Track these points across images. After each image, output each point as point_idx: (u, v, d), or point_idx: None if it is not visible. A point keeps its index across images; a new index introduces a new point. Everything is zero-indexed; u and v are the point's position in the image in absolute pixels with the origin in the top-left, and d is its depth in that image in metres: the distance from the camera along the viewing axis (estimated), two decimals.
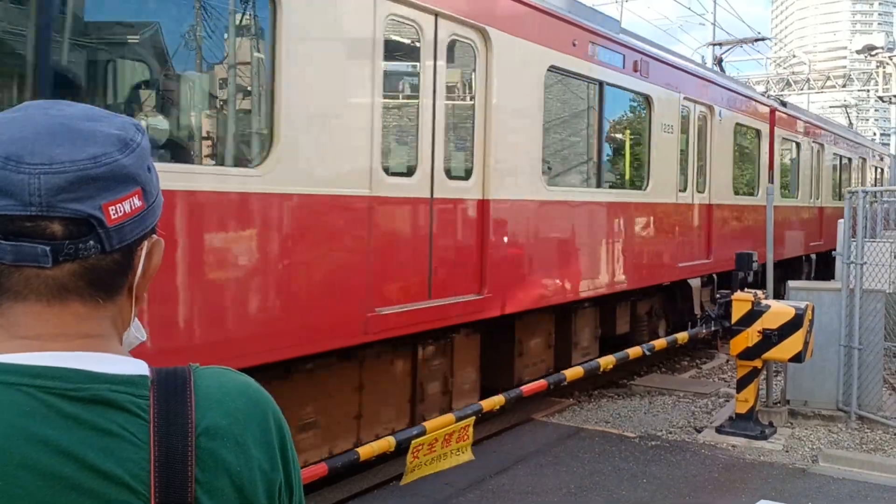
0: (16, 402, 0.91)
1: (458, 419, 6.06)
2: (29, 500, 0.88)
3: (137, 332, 1.10)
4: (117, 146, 0.98)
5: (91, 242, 0.96)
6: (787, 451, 7.38)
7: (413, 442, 5.57)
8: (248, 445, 1.02)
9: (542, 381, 7.36)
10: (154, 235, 1.06)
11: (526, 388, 7.12)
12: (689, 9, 32.30)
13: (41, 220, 0.93)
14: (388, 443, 5.54)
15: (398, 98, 6.56)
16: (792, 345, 7.55)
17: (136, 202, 0.99)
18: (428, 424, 5.84)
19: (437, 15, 6.46)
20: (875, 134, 57.86)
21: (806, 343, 7.58)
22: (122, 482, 0.92)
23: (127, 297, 1.04)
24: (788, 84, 34.93)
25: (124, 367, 0.99)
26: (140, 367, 1.01)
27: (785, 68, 40.75)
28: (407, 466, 5.54)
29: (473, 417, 6.26)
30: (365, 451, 5.39)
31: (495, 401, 6.70)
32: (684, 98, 11.03)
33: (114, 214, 0.97)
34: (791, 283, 9.00)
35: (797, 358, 7.62)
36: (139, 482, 0.94)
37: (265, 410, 1.07)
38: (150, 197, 1.02)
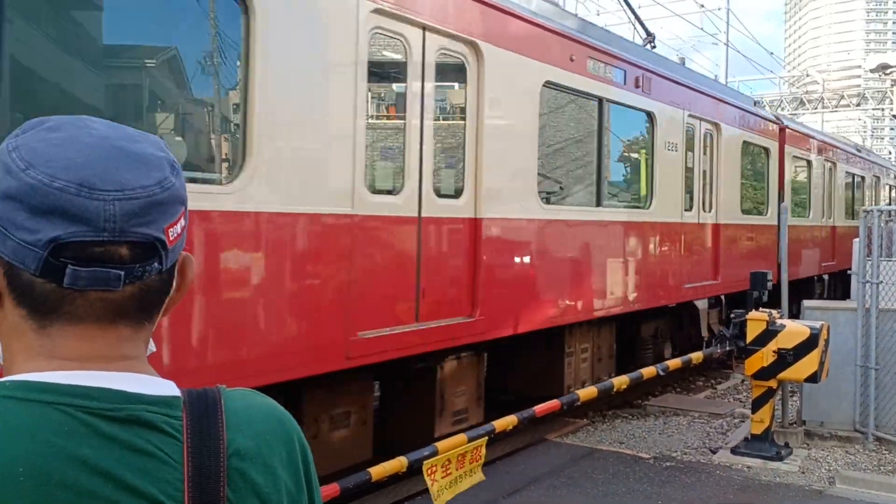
0: (55, 421, 0.92)
1: (471, 439, 6.04)
2: None
3: (149, 345, 1.11)
4: (169, 169, 1.01)
5: (155, 264, 0.99)
6: (803, 473, 7.30)
7: (425, 462, 5.55)
8: (276, 467, 1.05)
9: (556, 402, 7.32)
10: (183, 252, 1.08)
11: (539, 409, 7.08)
12: (702, 29, 32.36)
13: (111, 244, 0.95)
14: (400, 463, 5.51)
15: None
16: (807, 365, 7.49)
17: (183, 222, 1.03)
18: (440, 445, 5.81)
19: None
20: (890, 153, 57.58)
21: (821, 363, 7.51)
22: (157, 501, 0.94)
23: (159, 316, 1.07)
24: (802, 103, 34.87)
25: (157, 387, 1.01)
26: (171, 388, 1.03)
27: (798, 87, 40.68)
28: (433, 493, 5.49)
29: (486, 438, 6.23)
30: (377, 472, 5.36)
31: (508, 421, 6.67)
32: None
33: (171, 236, 1.00)
34: (806, 303, 8.94)
35: (813, 378, 7.55)
36: (173, 501, 0.95)
37: (290, 433, 1.10)
38: (187, 215, 1.06)
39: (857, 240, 9.64)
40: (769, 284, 8.88)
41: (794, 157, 15.36)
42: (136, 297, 0.99)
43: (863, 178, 20.97)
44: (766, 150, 14.03)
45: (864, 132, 61.81)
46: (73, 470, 0.90)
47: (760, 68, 39.45)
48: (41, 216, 0.93)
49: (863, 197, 20.88)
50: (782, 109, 31.57)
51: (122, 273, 0.95)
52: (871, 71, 32.78)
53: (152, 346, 1.12)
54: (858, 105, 36.35)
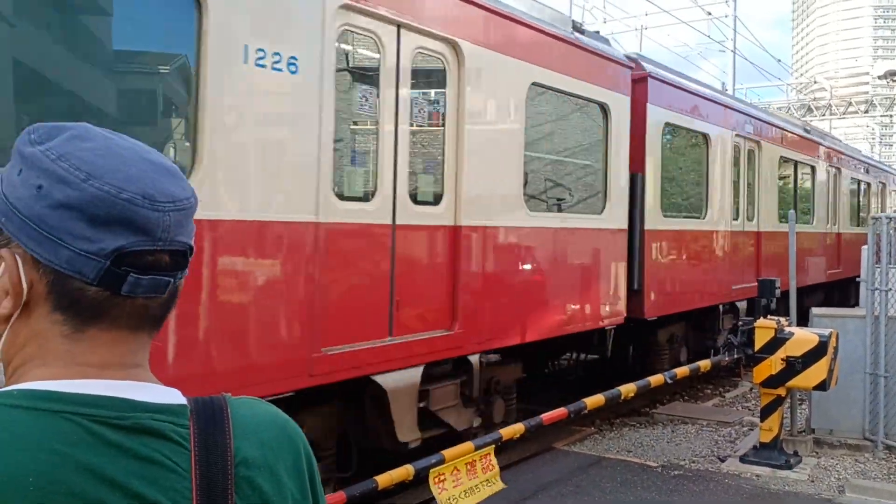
0: (62, 429, 0.92)
1: (477, 448, 6.02)
2: None
3: None
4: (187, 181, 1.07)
5: (185, 270, 1.04)
6: (812, 481, 7.26)
7: (432, 470, 5.54)
8: (281, 475, 1.06)
9: (563, 410, 7.30)
10: None
11: (546, 417, 7.06)
12: (709, 37, 32.34)
13: (159, 253, 0.98)
14: (406, 471, 5.50)
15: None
16: (816, 373, 7.45)
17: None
18: (447, 453, 5.80)
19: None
20: None
21: (830, 371, 7.48)
22: None
23: None
24: (810, 110, 34.81)
25: (163, 395, 1.02)
26: (177, 397, 1.03)
27: (806, 94, 40.64)
28: (437, 499, 5.48)
29: (493, 445, 6.22)
30: (383, 480, 5.36)
31: (515, 429, 6.66)
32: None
33: (192, 242, 1.04)
34: (815, 310, 8.90)
35: (822, 386, 7.52)
36: None
37: (295, 440, 1.12)
38: None
39: (865, 247, 9.60)
40: (778, 291, 8.84)
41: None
42: (164, 303, 1.03)
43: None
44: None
45: (873, 139, 61.69)
46: (81, 478, 0.90)
47: (768, 75, 39.41)
48: (103, 226, 0.95)
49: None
50: (790, 116, 31.49)
51: (171, 280, 1.00)
52: (879, 77, 32.77)
53: None
54: (866, 112, 36.28)
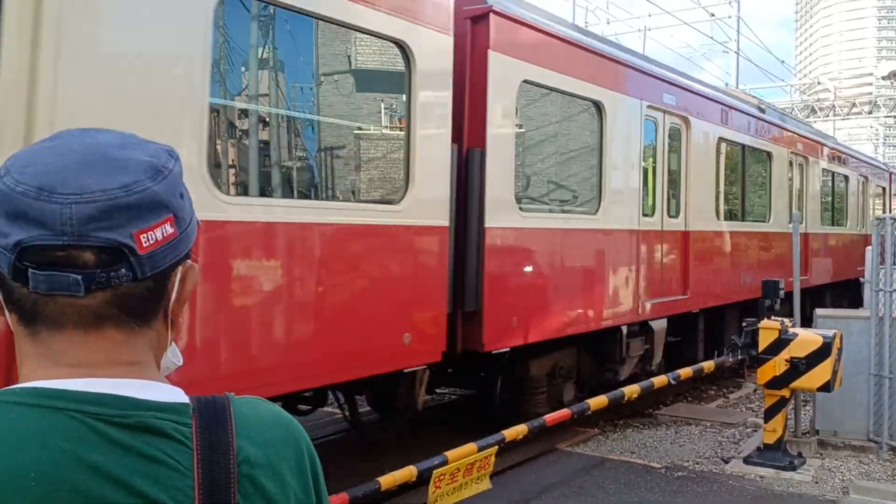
0: (65, 427, 0.92)
1: (481, 449, 6.01)
2: None
3: (174, 357, 1.11)
4: (149, 173, 0.98)
5: (123, 270, 0.96)
6: (816, 483, 7.24)
7: (434, 472, 5.53)
8: (284, 473, 1.05)
9: (566, 411, 7.29)
10: (188, 261, 1.07)
11: (549, 418, 7.06)
12: (712, 38, 32.31)
13: (73, 249, 0.93)
14: (409, 472, 5.50)
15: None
16: (820, 374, 7.43)
17: (169, 229, 1.00)
18: (450, 454, 5.79)
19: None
20: None
21: (835, 372, 7.46)
22: None
23: (163, 323, 1.06)
24: (813, 111, 34.76)
25: (165, 394, 1.01)
26: (179, 395, 1.03)
27: (809, 95, 40.59)
28: (429, 498, 5.49)
29: (496, 447, 6.21)
30: (386, 481, 5.35)
31: (518, 430, 6.65)
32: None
33: (145, 242, 0.97)
34: (819, 311, 8.88)
35: (826, 387, 7.50)
36: None
37: (299, 440, 1.11)
38: (182, 223, 1.03)
39: (869, 248, 9.58)
40: (782, 293, 8.82)
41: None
42: (113, 302, 0.98)
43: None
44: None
45: (877, 140, 61.58)
46: (84, 476, 0.90)
47: (771, 76, 39.39)
48: (12, 221, 0.94)
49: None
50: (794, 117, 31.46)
51: (81, 278, 0.94)
52: (883, 78, 32.70)
53: (179, 359, 1.12)
54: (870, 113, 36.21)
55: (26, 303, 0.97)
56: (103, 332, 0.99)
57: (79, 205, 0.93)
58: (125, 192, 0.95)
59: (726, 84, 26.86)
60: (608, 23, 30.33)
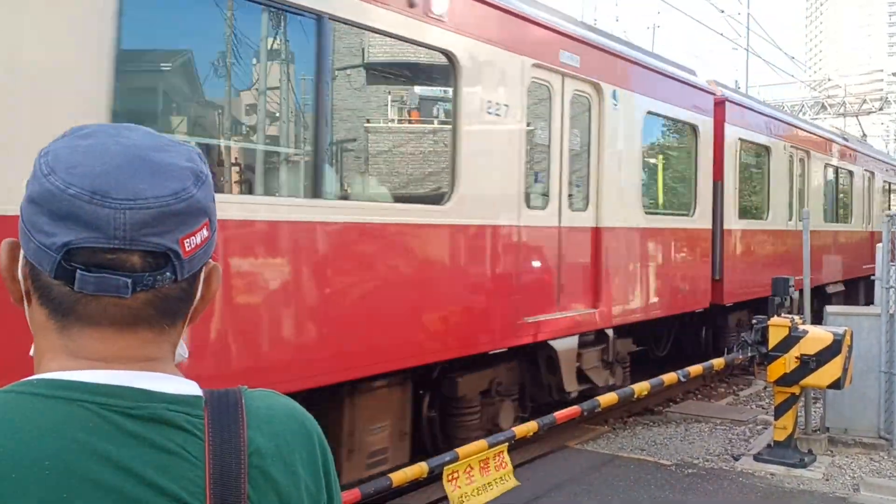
0: (80, 418, 0.94)
1: (491, 446, 6.04)
2: None
3: (182, 350, 1.13)
4: (192, 180, 1.02)
5: (167, 274, 0.99)
6: (827, 480, 7.23)
7: (446, 468, 5.56)
8: (296, 466, 1.07)
9: (576, 408, 7.30)
10: (210, 261, 1.09)
11: (559, 415, 7.07)
12: (722, 35, 32.21)
13: (122, 252, 0.96)
14: (420, 469, 5.52)
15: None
16: (830, 371, 7.42)
17: (205, 233, 1.03)
18: (461, 451, 5.82)
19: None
20: None
21: (845, 369, 7.44)
22: (179, 498, 0.96)
23: (185, 322, 1.08)
24: (824, 107, 34.58)
25: (179, 386, 1.03)
26: (193, 388, 1.05)
27: (820, 92, 40.37)
28: (450, 497, 5.50)
29: (506, 443, 6.23)
30: (398, 477, 5.38)
31: (528, 427, 6.67)
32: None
33: (188, 247, 1.00)
34: (829, 308, 8.86)
35: (836, 384, 7.49)
36: (195, 499, 0.97)
37: (311, 433, 1.12)
38: (213, 226, 1.06)
39: (880, 245, 9.55)
40: (792, 290, 8.78)
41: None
42: (152, 303, 1.01)
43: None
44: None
45: (887, 136, 61.21)
46: (98, 466, 0.92)
47: (781, 73, 39.21)
48: (59, 221, 0.96)
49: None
50: (804, 114, 31.30)
51: (130, 281, 0.97)
52: (894, 74, 32.46)
53: (185, 352, 1.14)
54: (881, 109, 35.97)
55: (65, 300, 0.99)
56: (137, 332, 1.02)
57: (132, 210, 0.96)
58: (175, 200, 0.99)
59: (735, 82, 26.74)
60: (617, 20, 30.23)
